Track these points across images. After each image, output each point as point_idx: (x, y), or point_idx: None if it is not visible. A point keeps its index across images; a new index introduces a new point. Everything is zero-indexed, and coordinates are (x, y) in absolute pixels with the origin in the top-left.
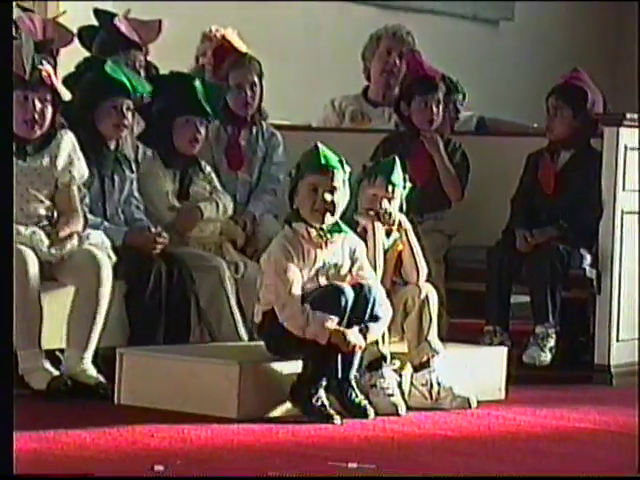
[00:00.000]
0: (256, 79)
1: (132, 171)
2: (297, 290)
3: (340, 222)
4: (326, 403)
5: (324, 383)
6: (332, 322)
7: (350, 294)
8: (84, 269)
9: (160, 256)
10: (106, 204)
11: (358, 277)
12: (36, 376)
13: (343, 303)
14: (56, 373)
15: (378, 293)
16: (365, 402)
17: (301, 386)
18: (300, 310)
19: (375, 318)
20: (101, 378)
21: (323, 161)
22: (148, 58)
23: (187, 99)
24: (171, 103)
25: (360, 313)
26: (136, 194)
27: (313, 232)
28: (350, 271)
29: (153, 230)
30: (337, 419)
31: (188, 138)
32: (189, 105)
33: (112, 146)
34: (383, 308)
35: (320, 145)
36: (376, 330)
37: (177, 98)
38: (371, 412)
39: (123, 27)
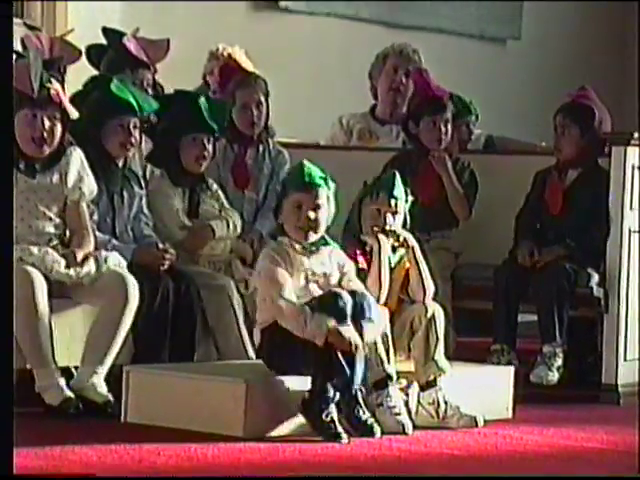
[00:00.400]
0: (262, 98)
1: (141, 187)
2: (290, 292)
3: (326, 236)
4: (335, 420)
5: (336, 397)
6: (330, 321)
7: (348, 299)
8: (113, 290)
9: (168, 273)
10: (115, 221)
11: (349, 287)
12: (50, 393)
13: (341, 305)
14: (69, 394)
15: (371, 299)
16: (372, 420)
17: (312, 400)
18: (298, 309)
19: (369, 320)
20: (110, 397)
21: (307, 179)
22: (157, 77)
23: (192, 117)
24: (177, 122)
25: (354, 318)
26: (145, 211)
27: (297, 246)
28: (340, 283)
29: (160, 246)
30: (344, 438)
31: (195, 156)
32: (194, 123)
33: (120, 163)
34: (376, 313)
35: (305, 162)
36: (371, 330)
37: (182, 116)
38: (378, 430)
39: (132, 46)
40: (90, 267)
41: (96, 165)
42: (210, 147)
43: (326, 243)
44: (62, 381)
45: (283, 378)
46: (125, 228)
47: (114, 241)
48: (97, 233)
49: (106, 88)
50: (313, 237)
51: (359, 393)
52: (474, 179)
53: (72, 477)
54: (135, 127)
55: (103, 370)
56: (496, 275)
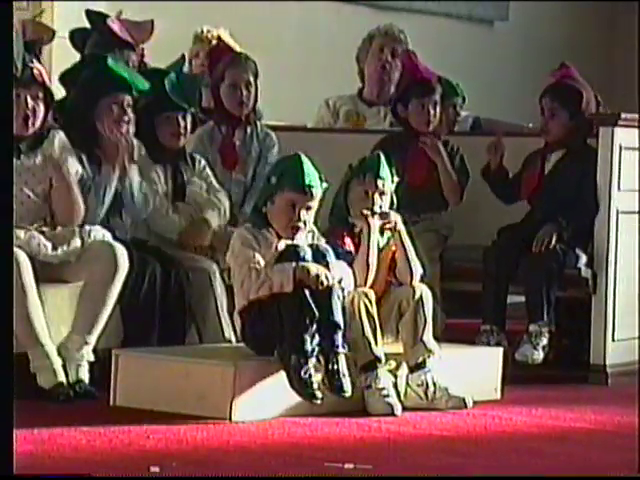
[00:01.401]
0: (252, 78)
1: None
2: (258, 263)
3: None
4: (313, 378)
5: (314, 351)
6: (291, 264)
7: (308, 249)
8: (102, 258)
9: (156, 258)
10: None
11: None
12: (43, 375)
13: (300, 253)
14: (61, 379)
15: (329, 248)
16: (346, 379)
17: (289, 354)
18: (260, 272)
19: (333, 261)
20: (85, 380)
21: (307, 181)
22: (145, 59)
23: (162, 95)
24: (150, 100)
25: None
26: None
27: (277, 237)
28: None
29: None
30: (318, 399)
31: (170, 133)
32: (164, 101)
33: (123, 142)
34: (340, 263)
35: (304, 159)
36: (338, 268)
37: (154, 95)
38: (348, 390)
39: (116, 27)
40: (76, 243)
41: (86, 145)
42: (186, 122)
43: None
44: (58, 365)
45: (271, 360)
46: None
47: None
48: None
49: (103, 65)
50: (299, 235)
51: (339, 349)
52: (464, 164)
53: (70, 477)
54: (129, 105)
55: (92, 340)
56: (485, 256)
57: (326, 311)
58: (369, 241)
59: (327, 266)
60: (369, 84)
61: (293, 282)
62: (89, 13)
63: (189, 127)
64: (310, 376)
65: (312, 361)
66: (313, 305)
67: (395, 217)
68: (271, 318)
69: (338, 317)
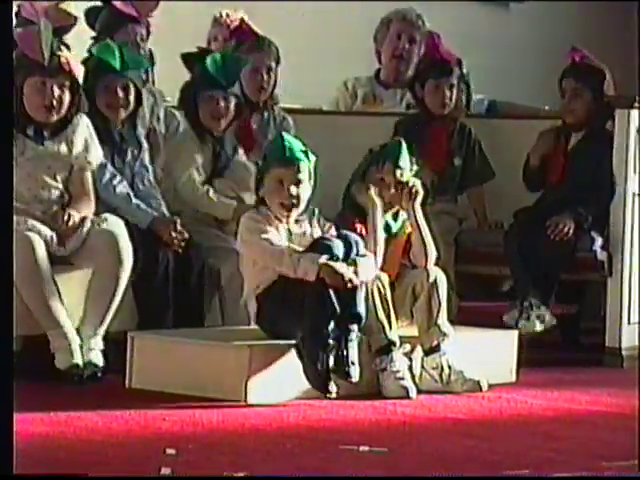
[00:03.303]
0: (273, 64)
1: (140, 146)
2: (278, 240)
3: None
4: (329, 373)
5: (331, 344)
6: (320, 257)
7: (339, 242)
8: (106, 250)
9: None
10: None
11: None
12: (60, 355)
13: (332, 245)
14: (77, 361)
15: (359, 240)
16: (355, 367)
17: (306, 344)
18: (289, 252)
19: (362, 255)
20: (99, 364)
21: (288, 153)
22: (150, 40)
23: (203, 74)
24: (193, 79)
25: (345, 256)
26: (147, 164)
27: (278, 216)
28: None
29: (178, 227)
30: (333, 393)
31: (209, 112)
32: (205, 80)
33: (118, 124)
34: (366, 253)
35: (285, 135)
36: (364, 265)
37: (196, 74)
38: (355, 377)
39: (119, 4)
40: (84, 230)
41: (95, 129)
42: (227, 103)
43: (309, 212)
44: (76, 345)
45: (286, 343)
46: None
47: (136, 200)
48: (118, 189)
49: (90, 52)
50: (295, 213)
51: (352, 336)
52: (483, 154)
53: (70, 477)
54: (123, 88)
55: (101, 331)
56: (506, 238)
57: (349, 304)
58: (374, 220)
59: (355, 262)
60: (386, 68)
61: (317, 276)
62: None
63: (232, 109)
64: (326, 370)
65: (331, 357)
66: (335, 301)
67: (415, 182)
68: (291, 304)
69: (361, 310)
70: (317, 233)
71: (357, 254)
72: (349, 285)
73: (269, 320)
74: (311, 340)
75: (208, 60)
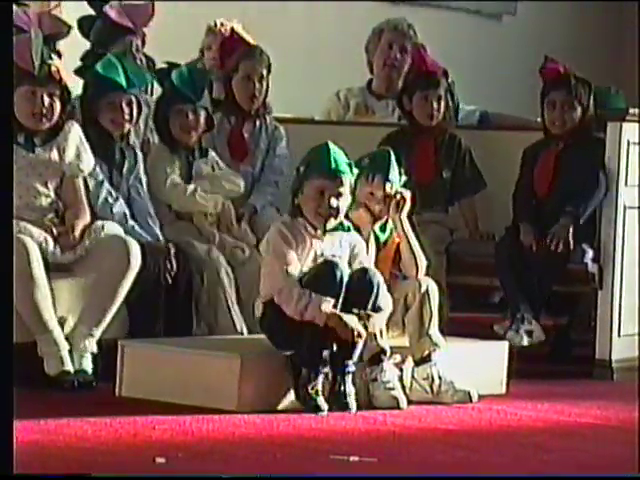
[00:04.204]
0: (265, 72)
1: (136, 160)
2: (294, 273)
3: (344, 221)
4: (319, 392)
5: (325, 370)
6: (329, 304)
7: (344, 268)
8: (115, 252)
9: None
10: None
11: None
12: (50, 362)
13: (338, 277)
14: (68, 368)
15: (382, 281)
16: (351, 398)
17: (301, 368)
18: (298, 293)
19: (378, 309)
20: (88, 370)
21: (333, 166)
22: (145, 50)
23: (172, 89)
24: (163, 94)
25: (364, 298)
26: (142, 177)
27: (311, 229)
28: (350, 264)
29: (171, 256)
30: (324, 412)
31: (179, 126)
32: (174, 94)
33: (117, 139)
34: (385, 300)
35: (331, 146)
36: (378, 321)
37: (165, 89)
38: (353, 408)
39: (113, 13)
40: (85, 242)
41: (94, 142)
42: (197, 117)
43: (342, 227)
44: (65, 352)
45: (277, 352)
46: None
47: (131, 222)
48: (115, 209)
49: (93, 69)
50: (332, 224)
51: (349, 369)
52: (474, 166)
53: (70, 477)
54: (128, 103)
55: (97, 333)
56: (497, 250)
57: (348, 348)
58: (368, 240)
59: (369, 300)
60: (378, 78)
61: (324, 323)
62: (90, 1)
63: (201, 122)
64: (317, 392)
65: (321, 378)
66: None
67: (402, 193)
68: (293, 322)
69: (358, 353)
70: (345, 256)
71: (377, 305)
72: (356, 340)
73: (271, 328)
74: (307, 361)
75: (174, 74)
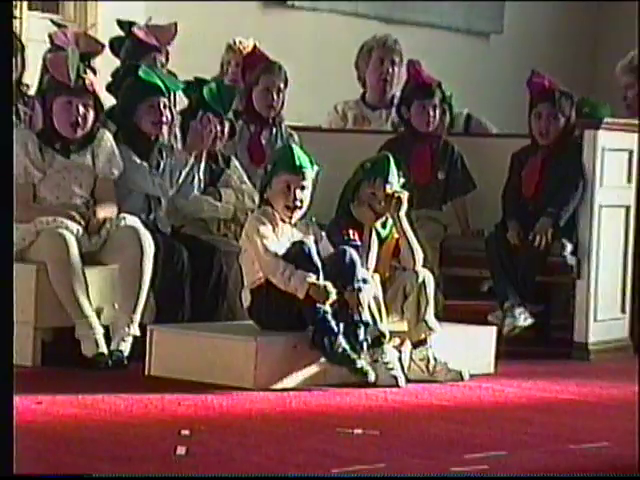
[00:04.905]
0: (282, 85)
1: (173, 159)
2: (273, 246)
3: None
4: (347, 348)
5: (339, 327)
6: (311, 278)
7: (312, 245)
8: (129, 244)
9: (185, 241)
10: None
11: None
12: (86, 344)
13: (307, 252)
14: (102, 350)
15: (357, 257)
16: (355, 356)
17: (318, 335)
18: (282, 264)
19: (364, 281)
20: (124, 352)
21: (297, 162)
22: (169, 66)
23: (201, 101)
24: (190, 104)
25: (348, 274)
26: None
27: (280, 220)
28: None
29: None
30: (359, 364)
31: (201, 133)
32: (203, 106)
33: (155, 139)
34: (366, 274)
35: (294, 146)
36: (367, 293)
37: (194, 100)
38: (359, 363)
39: (141, 34)
40: (108, 229)
41: (134, 144)
42: (222, 127)
43: (304, 217)
44: (100, 336)
45: (289, 336)
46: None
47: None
48: (164, 187)
49: (135, 75)
50: (298, 214)
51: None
52: (466, 169)
53: (70, 476)
54: (165, 106)
55: (137, 317)
56: (487, 244)
57: (352, 315)
58: (370, 236)
59: (355, 275)
60: (372, 90)
61: (305, 293)
62: (120, 22)
63: (226, 131)
64: (344, 350)
65: (340, 337)
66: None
67: (404, 195)
68: (284, 303)
69: (363, 317)
70: (311, 240)
71: (359, 278)
72: (330, 300)
73: (258, 313)
74: (322, 331)
75: (205, 89)
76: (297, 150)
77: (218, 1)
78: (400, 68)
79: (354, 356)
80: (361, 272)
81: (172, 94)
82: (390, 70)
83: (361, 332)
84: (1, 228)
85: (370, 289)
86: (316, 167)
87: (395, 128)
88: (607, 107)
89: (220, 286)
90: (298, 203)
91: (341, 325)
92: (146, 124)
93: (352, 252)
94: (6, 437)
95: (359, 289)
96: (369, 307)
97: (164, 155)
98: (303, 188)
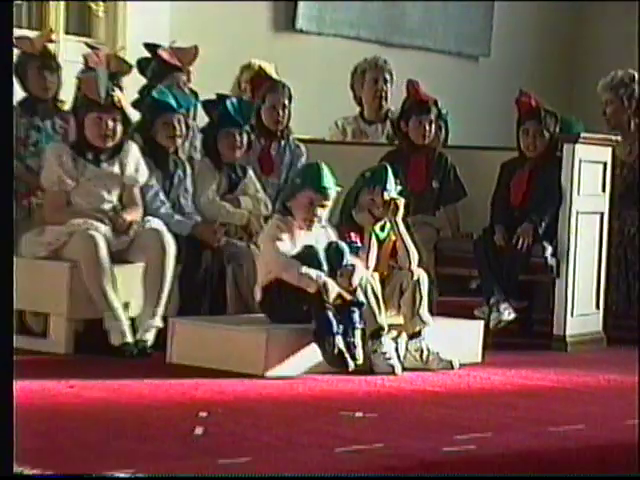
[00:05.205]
0: (287, 102)
1: (185, 172)
2: (287, 249)
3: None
4: (343, 349)
5: (339, 328)
6: (322, 277)
7: (320, 249)
8: (152, 244)
9: (207, 247)
10: (168, 198)
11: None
12: (114, 334)
13: (317, 256)
14: (128, 340)
15: (345, 246)
16: (358, 350)
17: (318, 332)
18: (295, 263)
19: (352, 266)
20: (148, 342)
21: (324, 183)
22: (190, 85)
23: (223, 115)
24: (214, 119)
25: (340, 258)
26: (189, 188)
27: (298, 228)
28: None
29: (216, 227)
30: (350, 366)
31: (227, 145)
32: (225, 119)
33: (171, 152)
34: (354, 260)
35: (323, 167)
36: (357, 274)
37: (217, 115)
38: (360, 359)
39: (166, 55)
40: (134, 230)
41: (153, 155)
42: (242, 138)
43: (320, 225)
44: (126, 327)
45: (297, 328)
46: (176, 203)
47: (177, 216)
48: (161, 210)
49: (150, 95)
50: (314, 226)
51: (357, 323)
52: (458, 179)
53: (70, 476)
54: (180, 122)
55: (159, 311)
56: (475, 246)
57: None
58: (370, 238)
59: (342, 261)
60: (368, 107)
61: (316, 289)
62: (147, 45)
63: (245, 143)
64: (340, 351)
65: (339, 338)
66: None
67: (400, 201)
68: (293, 299)
69: (360, 299)
70: (324, 241)
71: (347, 262)
72: (340, 301)
73: (269, 307)
74: (322, 332)
75: (227, 103)
76: (325, 170)
77: (234, 26)
78: (392, 85)
79: (347, 357)
80: (349, 259)
81: (188, 110)
82: (384, 87)
83: (356, 315)
84: (1, 227)
85: (359, 272)
86: (338, 189)
87: (390, 141)
88: (580, 123)
89: (236, 283)
90: (316, 219)
91: (341, 327)
92: (162, 138)
93: (340, 242)
94: (6, 437)
95: (349, 271)
96: (369, 303)
97: (178, 166)
98: (323, 206)
